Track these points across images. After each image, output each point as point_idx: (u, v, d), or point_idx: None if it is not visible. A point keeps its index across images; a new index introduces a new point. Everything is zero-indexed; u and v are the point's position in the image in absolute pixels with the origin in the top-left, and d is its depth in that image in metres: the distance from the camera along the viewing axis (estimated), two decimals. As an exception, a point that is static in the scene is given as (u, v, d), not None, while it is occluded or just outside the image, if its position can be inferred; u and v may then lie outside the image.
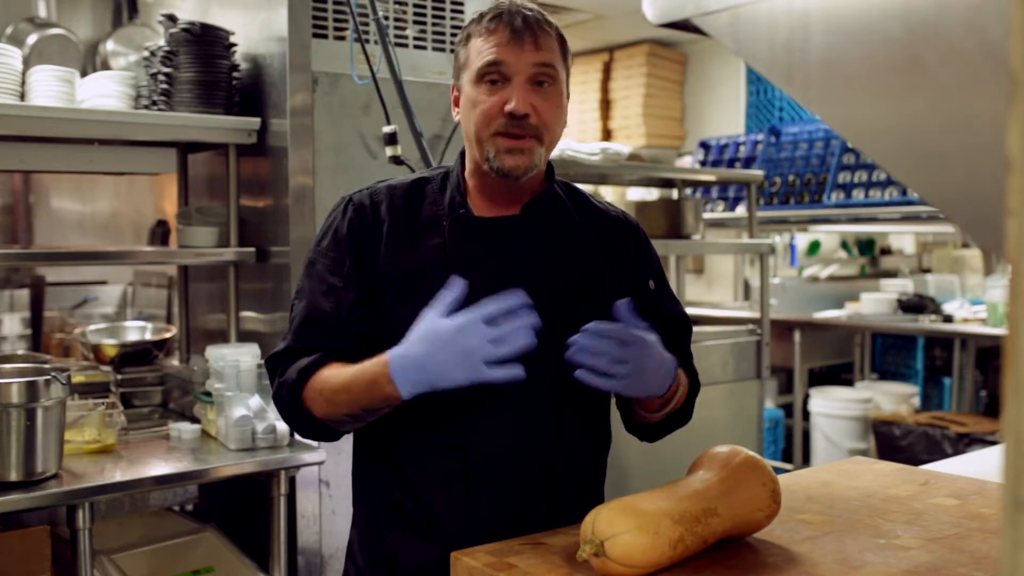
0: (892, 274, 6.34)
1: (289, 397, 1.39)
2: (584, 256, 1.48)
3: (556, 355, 1.41)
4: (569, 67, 1.45)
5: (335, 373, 1.35)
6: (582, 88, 6.83)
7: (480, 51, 1.37)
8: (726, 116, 6.69)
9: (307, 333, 1.42)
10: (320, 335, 1.41)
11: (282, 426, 2.35)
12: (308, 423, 1.40)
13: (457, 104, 1.45)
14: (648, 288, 1.54)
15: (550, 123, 1.39)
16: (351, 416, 1.36)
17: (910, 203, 4.80)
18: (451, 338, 1.22)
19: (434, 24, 2.92)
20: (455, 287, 1.26)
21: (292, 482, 2.40)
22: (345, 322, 1.41)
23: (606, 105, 6.76)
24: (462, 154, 1.49)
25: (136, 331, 3.07)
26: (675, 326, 1.56)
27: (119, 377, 2.72)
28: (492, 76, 1.36)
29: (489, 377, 1.22)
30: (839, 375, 5.88)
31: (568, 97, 1.46)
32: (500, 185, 1.41)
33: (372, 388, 1.29)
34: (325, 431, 1.42)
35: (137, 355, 2.86)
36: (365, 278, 1.42)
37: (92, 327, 3.05)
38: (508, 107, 1.35)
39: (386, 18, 2.74)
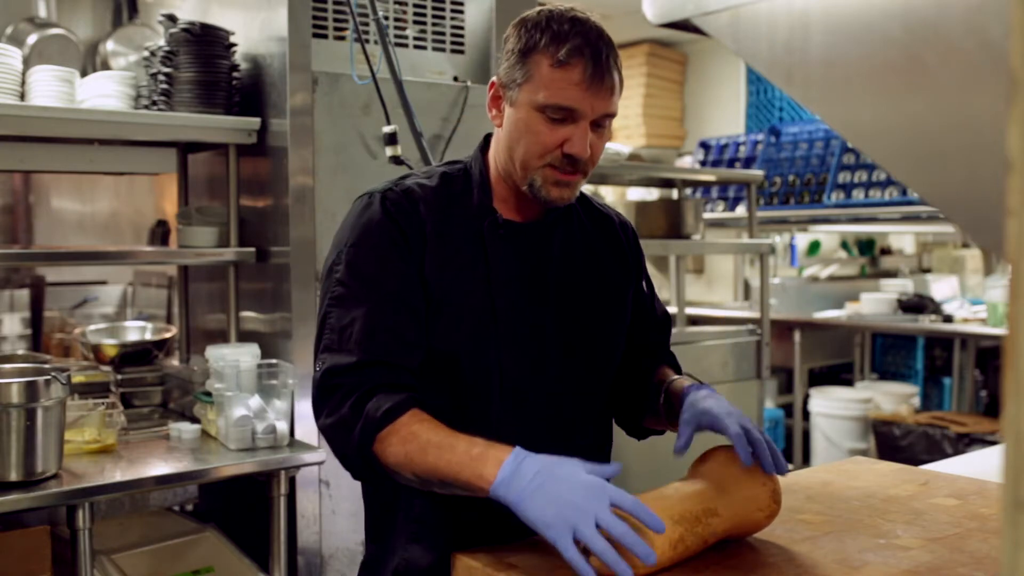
0: (892, 274, 6.34)
1: (363, 433, 1.25)
2: (597, 258, 1.49)
3: (580, 356, 1.42)
4: None
5: (430, 428, 1.24)
6: (582, 88, 6.82)
7: (550, 83, 1.29)
8: (726, 116, 6.69)
9: (376, 345, 1.29)
10: (390, 347, 1.30)
11: (282, 426, 2.35)
12: (366, 463, 1.27)
13: (496, 105, 1.38)
14: (641, 290, 1.56)
15: (597, 159, 1.36)
16: (419, 479, 1.24)
17: (910, 203, 4.80)
18: (573, 486, 1.11)
19: (434, 24, 2.92)
20: (613, 467, 1.18)
21: (292, 482, 2.40)
22: (412, 332, 1.31)
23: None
24: (482, 149, 1.45)
25: (136, 331, 3.06)
26: (659, 326, 1.60)
27: (119, 377, 2.72)
28: (559, 116, 1.30)
29: (566, 554, 1.07)
30: (839, 375, 5.88)
31: None
32: (528, 194, 1.39)
33: (475, 461, 1.17)
34: (375, 474, 1.29)
35: (137, 355, 2.86)
36: (417, 281, 1.34)
37: (92, 327, 3.05)
38: (569, 149, 1.31)
39: (386, 18, 2.74)
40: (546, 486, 1.11)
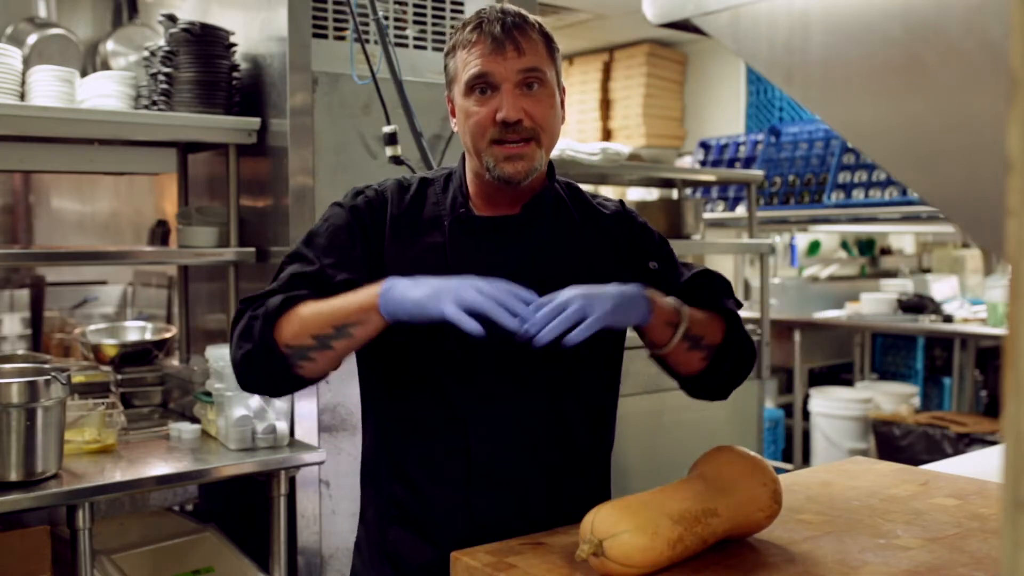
0: (892, 274, 6.34)
1: (264, 321, 1.32)
2: (584, 254, 1.48)
3: (558, 352, 1.41)
4: (558, 63, 1.44)
5: (314, 302, 1.33)
6: (582, 88, 6.83)
7: (465, 63, 1.38)
8: (726, 116, 6.69)
9: (296, 285, 1.38)
10: (309, 286, 1.37)
11: (282, 426, 2.35)
12: (266, 354, 1.32)
13: (454, 114, 1.45)
14: (648, 269, 1.50)
15: (545, 124, 1.39)
16: (317, 338, 1.30)
17: (910, 203, 4.80)
18: (444, 279, 1.24)
19: (434, 24, 2.92)
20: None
21: (292, 482, 2.40)
22: (334, 288, 1.36)
23: (606, 105, 6.76)
24: (464, 155, 1.50)
25: (136, 331, 3.06)
26: (698, 284, 1.51)
27: (119, 377, 2.72)
28: (480, 86, 1.37)
29: (450, 314, 1.20)
30: (839, 375, 5.88)
31: (564, 91, 1.46)
32: (502, 187, 1.41)
33: (358, 294, 1.30)
34: (277, 367, 1.33)
35: (137, 355, 2.86)
36: (365, 263, 1.41)
37: (92, 327, 3.05)
38: (499, 115, 1.36)
39: (386, 18, 2.74)
40: (423, 282, 1.25)
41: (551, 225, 1.47)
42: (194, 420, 2.53)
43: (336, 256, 1.40)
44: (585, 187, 1.58)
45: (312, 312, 1.31)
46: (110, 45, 3.39)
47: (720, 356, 1.44)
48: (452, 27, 2.93)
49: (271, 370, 1.34)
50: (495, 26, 1.37)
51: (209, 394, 2.43)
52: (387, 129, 2.57)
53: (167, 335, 3.00)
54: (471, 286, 1.23)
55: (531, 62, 1.37)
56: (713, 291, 1.51)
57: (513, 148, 1.37)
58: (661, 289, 1.50)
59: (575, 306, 1.24)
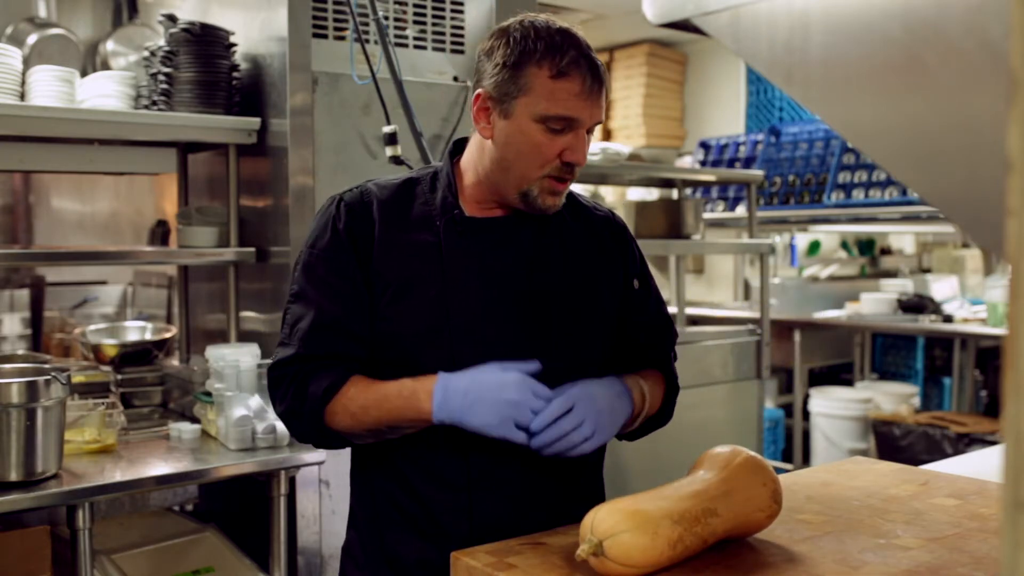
0: (892, 274, 6.34)
1: (311, 414, 1.37)
2: (576, 254, 1.49)
3: (552, 355, 1.42)
4: None
5: (363, 389, 1.36)
6: (582, 88, 6.82)
7: (551, 94, 1.32)
8: (726, 116, 6.69)
9: (318, 339, 1.39)
10: (333, 341, 1.39)
11: (282, 426, 2.35)
12: (324, 436, 1.41)
13: (484, 115, 1.38)
14: (632, 288, 1.55)
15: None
16: (372, 432, 1.37)
17: (910, 203, 4.80)
18: (502, 387, 1.27)
19: (434, 24, 2.91)
20: (532, 365, 1.31)
21: (292, 482, 2.40)
22: (357, 325, 1.39)
23: (606, 105, 6.76)
24: (451, 152, 1.49)
25: (136, 331, 3.06)
26: (657, 327, 1.59)
27: (119, 377, 2.72)
28: (559, 127, 1.34)
29: (511, 436, 1.27)
30: (839, 375, 5.88)
31: None
32: (522, 208, 1.42)
33: (409, 401, 1.32)
34: (337, 442, 1.42)
35: (137, 355, 2.85)
36: (365, 279, 1.41)
37: (92, 327, 3.05)
38: (570, 158, 1.35)
39: (386, 18, 2.74)
40: (481, 397, 1.27)
41: (542, 226, 1.47)
42: (194, 420, 2.53)
43: (337, 292, 1.40)
44: (584, 188, 1.59)
45: (361, 407, 1.35)
46: (110, 45, 3.39)
47: (650, 423, 1.53)
48: (453, 27, 2.93)
49: (327, 445, 1.45)
50: (589, 69, 1.33)
51: (209, 394, 2.43)
52: (387, 129, 2.58)
53: (167, 335, 3.00)
54: (529, 401, 1.27)
55: (603, 111, 1.39)
56: (667, 346, 1.60)
57: (561, 185, 1.38)
58: (634, 309, 1.54)
59: (584, 431, 1.30)
